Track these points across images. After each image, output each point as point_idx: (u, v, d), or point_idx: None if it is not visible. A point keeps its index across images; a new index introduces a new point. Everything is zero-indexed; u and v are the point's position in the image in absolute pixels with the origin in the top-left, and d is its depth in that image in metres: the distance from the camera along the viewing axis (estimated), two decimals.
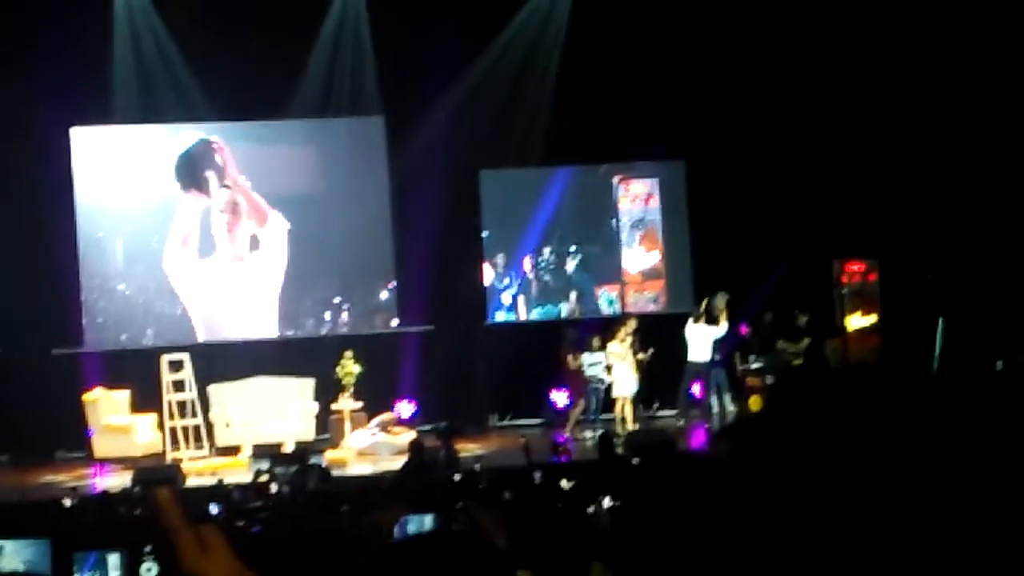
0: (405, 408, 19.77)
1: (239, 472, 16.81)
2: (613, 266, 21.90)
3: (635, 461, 13.00)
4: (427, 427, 18.61)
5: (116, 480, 16.77)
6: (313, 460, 15.43)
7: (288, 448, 17.94)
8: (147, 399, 19.06)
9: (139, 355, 19.74)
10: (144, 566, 6.39)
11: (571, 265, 21.77)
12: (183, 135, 20.55)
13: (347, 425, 18.86)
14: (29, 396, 18.84)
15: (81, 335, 20.24)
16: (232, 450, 18.64)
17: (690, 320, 19.72)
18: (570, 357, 19.84)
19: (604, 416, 19.40)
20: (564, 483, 10.57)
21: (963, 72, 19.60)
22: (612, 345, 19.33)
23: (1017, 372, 16.32)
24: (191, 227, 20.42)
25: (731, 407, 19.96)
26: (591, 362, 19.50)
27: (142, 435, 18.81)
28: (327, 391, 19.21)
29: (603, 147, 21.10)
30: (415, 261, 20.55)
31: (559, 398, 20.09)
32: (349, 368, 19.08)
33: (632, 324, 19.65)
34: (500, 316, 21.61)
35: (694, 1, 20.46)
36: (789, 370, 18.69)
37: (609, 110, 20.54)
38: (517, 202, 21.57)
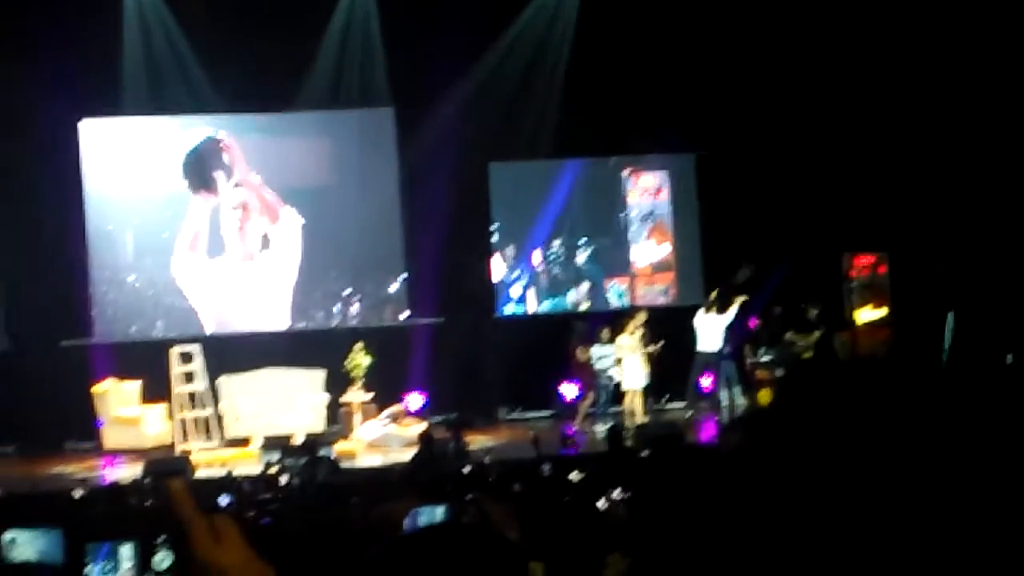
0: (415, 400, 19.77)
1: (249, 464, 16.81)
2: (623, 259, 21.89)
3: (644, 454, 12.99)
4: (437, 419, 18.63)
5: (126, 471, 16.78)
6: (323, 452, 15.44)
7: (298, 440, 17.96)
8: (157, 391, 19.09)
9: (149, 347, 19.75)
10: (157, 556, 6.41)
11: (583, 257, 21.76)
12: (193, 128, 20.56)
13: (357, 417, 18.88)
14: (38, 387, 18.88)
15: (90, 327, 20.27)
16: (242, 442, 18.64)
17: (700, 311, 19.74)
18: (579, 350, 19.86)
19: (613, 409, 19.43)
20: (573, 475, 10.57)
21: (973, 66, 19.56)
22: (622, 338, 19.35)
23: None
24: (200, 228, 20.42)
25: (741, 400, 19.94)
26: (600, 355, 19.53)
27: (152, 427, 18.84)
28: (337, 383, 19.22)
29: (613, 140, 21.10)
30: (425, 253, 20.56)
31: (568, 391, 20.09)
32: (359, 360, 19.09)
33: (642, 317, 19.68)
34: (509, 309, 21.62)
35: None
36: (799, 363, 18.70)
37: (619, 103, 20.53)
38: (527, 195, 21.57)
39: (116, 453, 18.48)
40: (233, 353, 19.67)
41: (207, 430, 18.97)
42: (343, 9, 20.83)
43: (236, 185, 20.57)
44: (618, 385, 19.44)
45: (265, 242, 20.66)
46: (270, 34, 19.43)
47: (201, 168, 20.47)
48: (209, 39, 19.89)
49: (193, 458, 16.98)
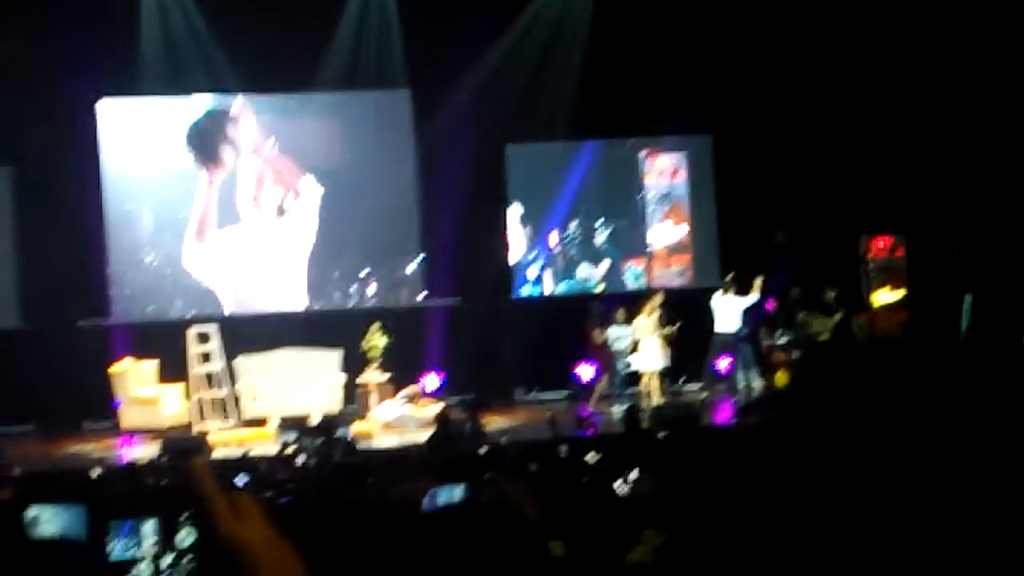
0: (431, 381, 19.80)
1: (266, 444, 16.86)
2: (639, 240, 21.88)
3: (661, 435, 13.00)
4: (453, 400, 18.64)
5: (143, 451, 16.86)
6: (340, 432, 15.47)
7: (314, 420, 17.98)
8: (174, 371, 19.14)
9: (166, 327, 19.80)
10: (180, 533, 6.44)
11: (602, 237, 21.74)
12: (209, 106, 20.61)
13: (373, 397, 18.91)
14: (57, 367, 18.94)
15: (108, 306, 20.32)
16: (259, 422, 18.68)
17: (718, 292, 19.73)
18: (595, 331, 19.86)
19: (630, 390, 19.44)
20: (590, 457, 10.58)
21: (993, 47, 19.49)
22: (639, 319, 19.35)
23: None
24: (207, 208, 20.42)
25: (757, 382, 19.93)
26: (616, 336, 19.53)
27: (169, 406, 18.89)
28: (354, 363, 19.25)
29: (630, 121, 21.07)
30: (442, 234, 20.58)
31: (584, 372, 20.09)
32: (376, 341, 19.12)
33: (659, 298, 19.66)
34: (526, 290, 21.63)
35: None
36: (815, 345, 18.68)
37: (636, 84, 20.50)
38: (543, 176, 21.56)
39: (133, 433, 18.54)
40: (250, 333, 19.69)
41: (224, 410, 19.02)
42: None
43: (251, 153, 20.60)
44: (634, 368, 19.46)
45: (280, 211, 20.69)
46: (288, 15, 19.45)
47: (205, 141, 20.47)
48: (227, 19, 19.90)
49: (210, 438, 17.03)
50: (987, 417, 2.12)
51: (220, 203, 20.53)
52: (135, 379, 19.08)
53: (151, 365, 19.31)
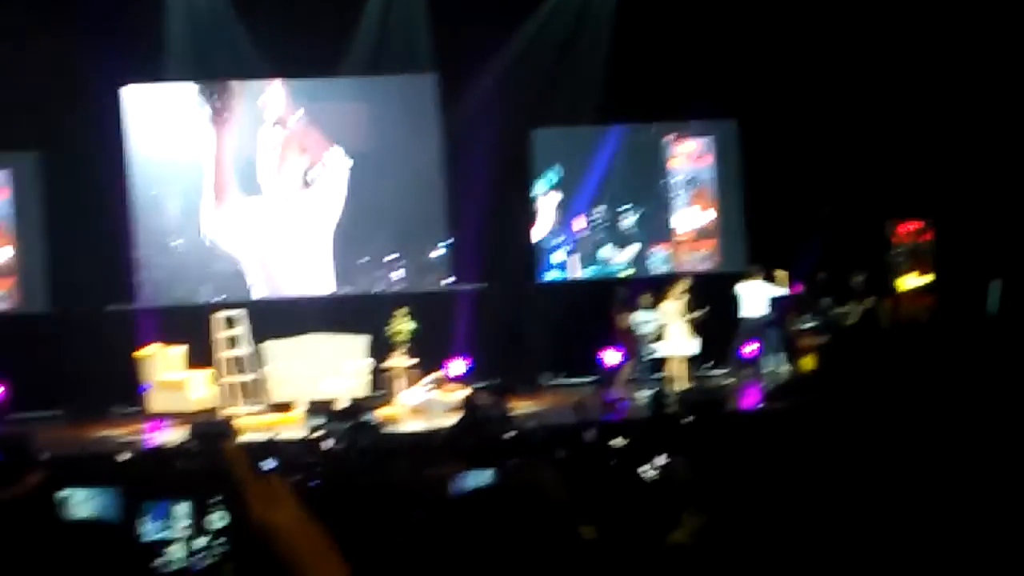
0: (458, 366, 19.81)
1: (293, 428, 16.88)
2: (665, 225, 21.85)
3: (687, 420, 12.97)
4: (479, 385, 18.65)
5: (171, 435, 16.90)
6: (366, 417, 15.48)
7: (341, 405, 18.03)
8: (202, 355, 19.19)
9: (194, 311, 19.85)
10: (213, 516, 6.46)
11: (628, 221, 21.71)
12: (235, 93, 20.65)
13: (400, 382, 18.96)
14: (84, 352, 19.04)
15: (136, 291, 20.40)
16: (285, 407, 18.72)
17: (745, 279, 19.71)
18: (621, 316, 19.83)
19: (655, 375, 19.42)
20: (616, 441, 10.56)
21: (1020, 30, 19.38)
22: (665, 304, 19.32)
23: None
24: (222, 169, 20.44)
25: (784, 367, 19.89)
26: (642, 320, 19.50)
27: (196, 391, 18.94)
28: (380, 348, 19.29)
29: (656, 106, 21.02)
30: (468, 219, 20.59)
31: (610, 357, 20.07)
32: (402, 325, 19.15)
33: (685, 283, 19.62)
34: (552, 275, 21.62)
35: None
36: (842, 330, 18.62)
37: (662, 68, 20.44)
38: (570, 161, 21.55)
39: (161, 417, 18.60)
40: (277, 318, 19.74)
41: (251, 395, 19.06)
42: None
43: (274, 124, 20.63)
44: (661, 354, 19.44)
45: (305, 182, 20.71)
46: None
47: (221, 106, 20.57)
48: (252, 4, 19.96)
49: (237, 423, 17.06)
50: (1013, 401, 2.12)
51: (241, 175, 20.54)
52: (162, 364, 19.15)
53: (179, 350, 19.37)
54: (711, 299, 19.61)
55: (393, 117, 21.08)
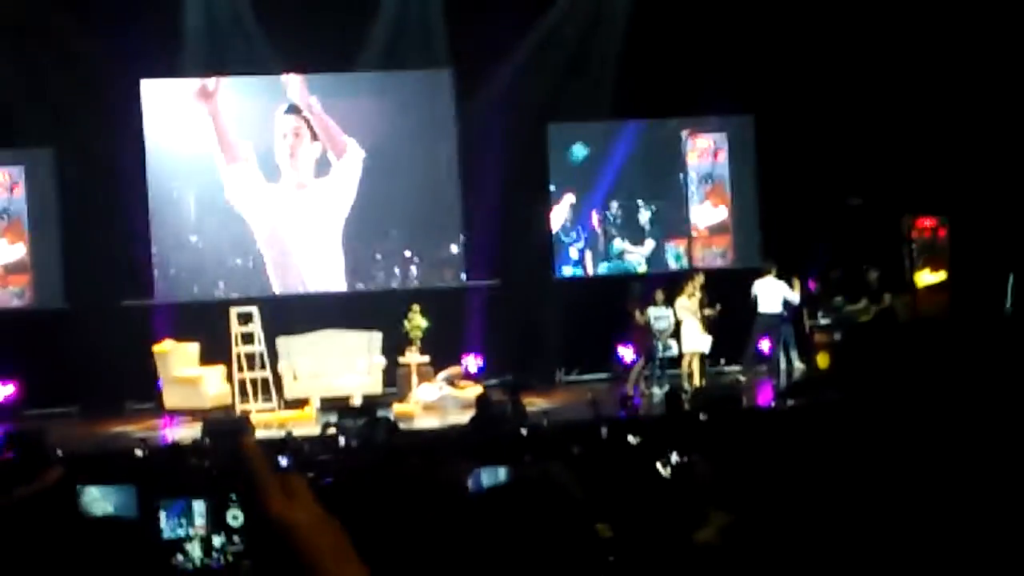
0: (472, 362, 19.83)
1: (307, 425, 16.92)
2: (680, 221, 21.82)
3: (703, 417, 12.98)
4: (494, 381, 18.67)
5: (186, 431, 16.94)
6: (380, 413, 15.51)
7: (355, 401, 18.06)
8: (216, 351, 19.21)
9: (209, 307, 19.89)
10: (230, 513, 6.47)
11: (644, 217, 21.70)
12: (253, 89, 20.68)
13: (414, 379, 18.95)
14: (99, 348, 19.04)
15: (152, 287, 20.43)
16: (300, 403, 18.76)
17: (761, 275, 19.67)
18: (636, 312, 19.81)
19: (671, 371, 19.39)
20: (631, 438, 10.57)
21: None
22: (680, 300, 19.28)
23: None
24: (223, 133, 20.45)
25: (798, 363, 19.87)
26: (656, 316, 19.47)
27: (211, 387, 18.96)
28: (394, 345, 19.29)
29: (671, 101, 21.00)
30: (483, 215, 20.58)
31: (626, 353, 20.06)
32: (417, 322, 19.15)
33: (700, 279, 19.59)
34: (567, 271, 21.62)
35: None
36: (857, 327, 18.60)
37: (677, 64, 20.42)
38: (585, 156, 21.55)
39: (176, 413, 18.64)
40: (292, 314, 19.78)
41: (265, 391, 19.08)
42: None
43: (287, 112, 20.65)
44: (677, 346, 19.40)
45: (320, 170, 20.72)
46: None
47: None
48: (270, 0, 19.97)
49: (251, 419, 17.10)
50: None
51: (260, 160, 20.55)
52: (178, 360, 19.17)
53: (194, 346, 19.39)
54: (726, 295, 19.58)
55: (409, 112, 21.07)
